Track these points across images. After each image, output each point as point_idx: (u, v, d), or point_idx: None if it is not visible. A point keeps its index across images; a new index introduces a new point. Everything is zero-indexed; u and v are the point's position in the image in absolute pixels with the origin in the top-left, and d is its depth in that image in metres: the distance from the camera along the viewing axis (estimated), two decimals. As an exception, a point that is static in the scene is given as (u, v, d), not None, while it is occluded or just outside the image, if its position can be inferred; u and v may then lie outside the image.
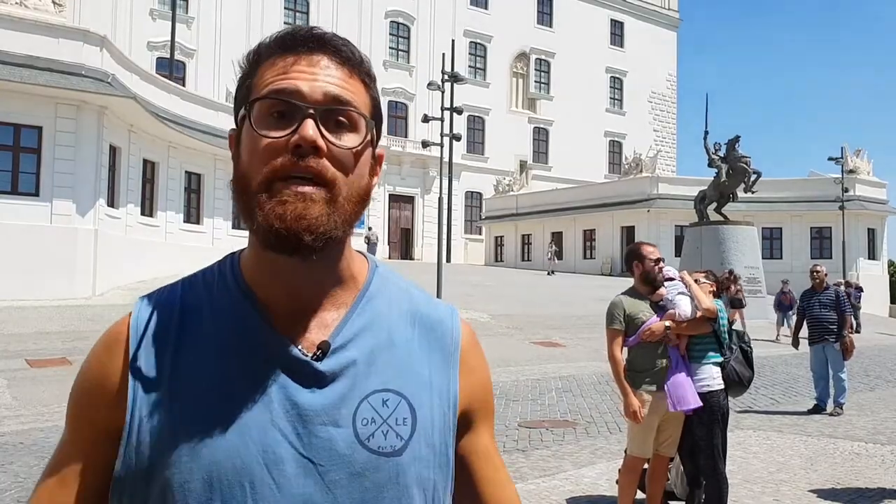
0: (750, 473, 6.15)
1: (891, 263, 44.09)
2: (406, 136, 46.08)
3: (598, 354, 12.46)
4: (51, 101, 17.18)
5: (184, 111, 22.63)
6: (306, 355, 0.86)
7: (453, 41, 44.01)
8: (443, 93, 23.03)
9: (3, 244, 16.21)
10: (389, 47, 47.73)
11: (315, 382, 0.86)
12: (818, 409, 9.29)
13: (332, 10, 44.87)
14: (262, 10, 42.69)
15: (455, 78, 24.84)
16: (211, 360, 0.86)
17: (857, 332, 18.18)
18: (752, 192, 24.98)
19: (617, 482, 4.80)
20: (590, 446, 7.16)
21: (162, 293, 0.93)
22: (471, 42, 50.84)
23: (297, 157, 0.83)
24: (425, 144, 24.33)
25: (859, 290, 24.68)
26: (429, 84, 23.22)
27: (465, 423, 0.96)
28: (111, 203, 19.10)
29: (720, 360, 4.55)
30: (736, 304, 16.24)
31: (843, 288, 12.76)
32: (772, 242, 36.35)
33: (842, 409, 9.19)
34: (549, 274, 34.70)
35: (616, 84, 57.78)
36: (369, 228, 34.96)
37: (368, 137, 0.89)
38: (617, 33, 57.94)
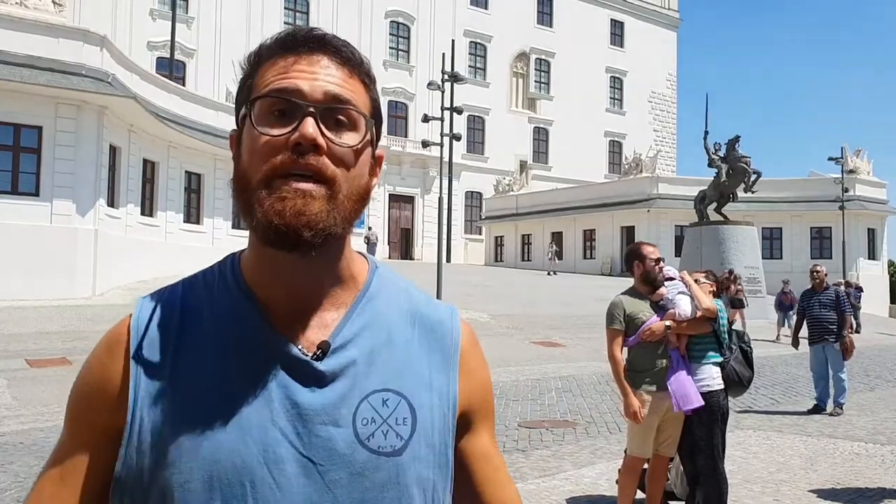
0: (750, 473, 6.15)
1: (891, 263, 44.10)
2: (406, 136, 46.09)
3: (598, 354, 12.46)
4: (51, 101, 17.18)
5: (184, 111, 22.64)
6: (306, 355, 0.87)
7: (453, 41, 44.01)
8: (443, 93, 23.03)
9: (3, 244, 16.22)
10: (389, 47, 47.73)
11: (315, 382, 0.86)
12: (818, 409, 9.29)
13: (332, 9, 44.87)
14: (262, 9, 42.69)
15: (455, 78, 24.84)
16: (211, 360, 0.86)
17: (857, 332, 18.19)
18: (752, 192, 24.99)
19: (617, 482, 4.80)
20: (590, 446, 7.16)
21: (162, 294, 0.93)
22: (471, 42, 50.84)
23: (297, 154, 0.83)
24: (425, 144, 24.34)
25: (859, 290, 24.69)
26: (429, 84, 23.22)
27: (464, 424, 0.97)
28: (111, 203, 19.10)
29: (720, 360, 4.55)
30: (737, 304, 16.25)
31: (843, 288, 12.75)
32: (772, 242, 36.36)
33: (842, 409, 9.19)
34: (552, 274, 34.67)
35: (616, 84, 57.78)
36: (369, 228, 34.96)
37: (368, 136, 0.89)
38: (617, 33, 57.95)
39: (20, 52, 16.52)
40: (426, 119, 22.84)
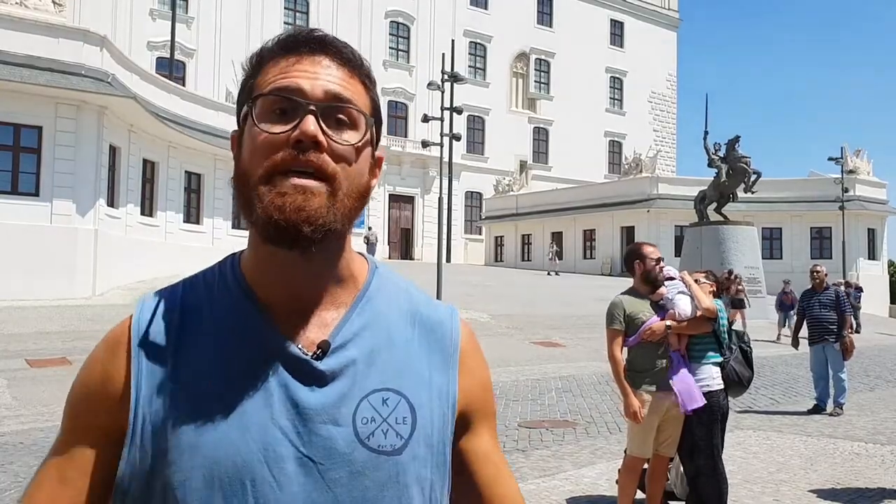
0: (750, 473, 6.15)
1: (891, 263, 44.11)
2: (406, 136, 46.09)
3: (598, 354, 12.46)
4: (51, 100, 17.19)
5: (184, 111, 22.65)
6: (306, 354, 0.87)
7: (453, 41, 44.03)
8: (443, 93, 23.04)
9: (3, 244, 16.22)
10: (389, 47, 47.73)
11: (315, 381, 0.86)
12: (818, 409, 9.29)
13: (332, 9, 44.88)
14: (262, 9, 42.70)
15: (455, 78, 24.85)
16: (212, 360, 0.86)
17: (857, 332, 18.19)
18: (752, 193, 24.99)
19: (617, 482, 4.80)
20: (590, 446, 7.16)
21: (162, 294, 0.93)
22: (471, 42, 50.86)
23: (298, 151, 0.84)
24: (425, 144, 24.33)
25: (859, 290, 24.70)
26: (429, 84, 23.23)
27: (464, 424, 0.97)
28: (111, 203, 19.11)
29: (720, 360, 4.56)
30: (737, 304, 16.26)
31: (843, 288, 12.75)
32: (772, 242, 36.37)
33: (842, 409, 9.19)
34: (553, 274, 34.64)
35: (616, 84, 57.79)
36: (369, 228, 34.96)
37: (368, 135, 0.90)
38: (617, 33, 57.95)
39: (20, 52, 16.53)
40: (426, 119, 22.84)
